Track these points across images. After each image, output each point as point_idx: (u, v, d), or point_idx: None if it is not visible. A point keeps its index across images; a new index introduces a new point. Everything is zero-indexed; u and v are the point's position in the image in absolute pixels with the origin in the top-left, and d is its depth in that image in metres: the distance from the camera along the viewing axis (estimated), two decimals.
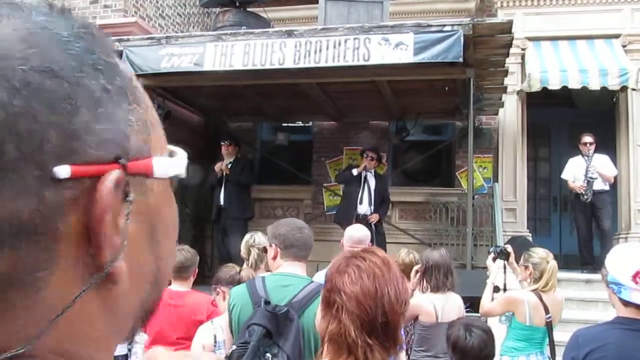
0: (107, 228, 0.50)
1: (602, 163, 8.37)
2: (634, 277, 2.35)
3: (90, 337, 0.52)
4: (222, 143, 9.10)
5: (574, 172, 8.52)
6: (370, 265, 1.54)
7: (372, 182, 8.60)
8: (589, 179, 8.23)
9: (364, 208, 8.46)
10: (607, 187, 8.38)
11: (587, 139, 8.45)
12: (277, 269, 2.85)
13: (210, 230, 10.28)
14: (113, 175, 0.49)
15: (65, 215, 0.48)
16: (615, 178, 8.68)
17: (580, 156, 8.53)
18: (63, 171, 0.47)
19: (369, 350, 1.44)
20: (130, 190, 0.51)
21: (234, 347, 2.41)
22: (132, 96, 0.54)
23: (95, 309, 0.52)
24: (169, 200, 0.60)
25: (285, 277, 2.73)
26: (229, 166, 8.87)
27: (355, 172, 8.64)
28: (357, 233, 4.20)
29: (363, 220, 8.11)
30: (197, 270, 4.38)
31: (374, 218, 8.41)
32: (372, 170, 8.69)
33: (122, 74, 0.54)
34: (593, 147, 8.43)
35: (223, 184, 8.84)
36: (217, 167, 8.85)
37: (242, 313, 2.63)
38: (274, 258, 2.89)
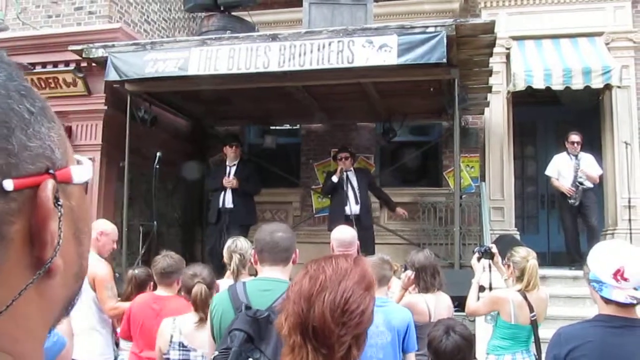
0: (50, 229, 0.58)
1: (587, 163, 8.40)
2: (615, 275, 2.38)
3: (25, 332, 0.59)
4: (230, 146, 8.74)
5: (558, 169, 8.56)
6: (320, 270, 1.53)
7: (354, 180, 8.57)
8: (577, 184, 8.26)
9: (352, 208, 8.45)
10: (592, 185, 8.44)
11: (575, 137, 8.46)
12: (259, 273, 2.87)
13: (200, 234, 10.25)
14: (50, 184, 0.58)
15: (13, 223, 0.56)
16: (601, 176, 8.74)
17: (565, 153, 8.56)
18: (8, 185, 0.55)
19: (305, 351, 1.45)
20: (60, 196, 0.60)
21: (216, 352, 2.40)
22: (50, 115, 0.62)
23: (33, 303, 0.59)
24: (85, 203, 0.68)
25: (266, 282, 2.73)
26: (233, 170, 8.65)
27: (335, 178, 8.58)
28: (342, 235, 4.22)
29: (354, 220, 8.12)
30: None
31: (403, 211, 8.80)
32: (352, 168, 8.67)
33: (39, 96, 0.62)
34: (579, 146, 8.47)
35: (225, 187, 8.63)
36: (226, 182, 8.50)
37: (223, 319, 2.63)
38: (255, 263, 2.91)
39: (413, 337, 3.82)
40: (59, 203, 0.59)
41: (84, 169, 0.66)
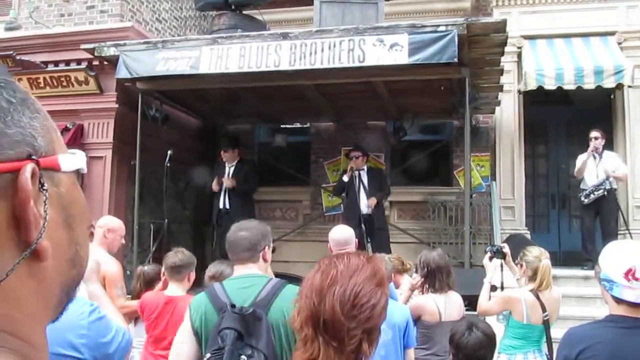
0: (32, 211, 0.61)
1: (613, 164, 8.25)
2: (626, 274, 2.36)
3: (24, 315, 0.62)
4: (224, 150, 8.83)
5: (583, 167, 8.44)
6: (332, 265, 1.55)
7: (365, 179, 8.54)
8: (599, 187, 8.15)
9: (364, 207, 8.40)
10: (616, 186, 8.32)
11: (594, 133, 8.31)
12: (234, 273, 2.84)
13: (211, 232, 10.27)
14: (29, 167, 0.61)
15: None
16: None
17: (589, 152, 8.40)
18: None
19: (316, 345, 1.46)
20: (45, 182, 0.63)
21: (208, 354, 2.37)
22: (33, 106, 0.66)
23: (27, 286, 0.61)
24: (78, 191, 0.71)
25: (243, 279, 2.71)
26: (232, 170, 8.73)
27: (345, 178, 8.58)
28: (337, 235, 4.25)
29: (367, 219, 8.11)
30: (194, 274, 4.37)
31: (372, 202, 8.36)
32: (365, 167, 8.63)
33: (19, 88, 0.65)
34: (600, 142, 8.29)
35: (224, 189, 8.70)
36: (223, 181, 8.60)
37: (205, 321, 2.58)
38: (231, 261, 2.91)
39: (412, 333, 3.84)
40: (43, 188, 0.63)
41: (74, 158, 0.69)
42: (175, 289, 4.22)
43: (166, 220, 8.33)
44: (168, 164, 8.08)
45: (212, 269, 3.72)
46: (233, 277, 2.81)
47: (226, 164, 8.80)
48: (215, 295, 2.63)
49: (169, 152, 8.10)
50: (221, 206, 8.68)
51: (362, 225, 7.90)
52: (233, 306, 2.46)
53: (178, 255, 4.27)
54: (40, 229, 0.61)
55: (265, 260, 2.84)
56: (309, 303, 1.51)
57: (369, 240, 7.90)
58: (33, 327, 0.63)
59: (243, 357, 2.32)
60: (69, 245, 0.68)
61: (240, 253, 2.77)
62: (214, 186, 8.69)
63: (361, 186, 8.47)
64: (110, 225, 4.84)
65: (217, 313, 2.54)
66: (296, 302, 1.58)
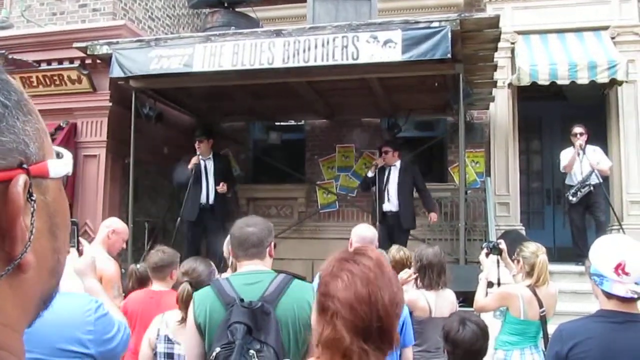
0: (20, 225, 0.57)
1: (595, 158, 8.26)
2: (616, 268, 2.37)
3: (6, 324, 0.59)
4: (200, 141, 8.38)
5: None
6: (364, 270, 1.51)
7: (394, 176, 8.30)
8: (585, 184, 8.16)
9: (389, 205, 8.23)
10: (600, 180, 8.34)
11: (577, 129, 8.30)
12: (238, 269, 2.84)
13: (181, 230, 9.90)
14: (21, 179, 0.57)
15: None
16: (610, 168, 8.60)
17: (572, 148, 8.41)
18: None
19: (365, 355, 1.43)
20: (34, 191, 0.59)
21: (218, 349, 2.37)
22: (26, 108, 0.62)
23: (6, 296, 0.58)
24: (63, 197, 0.68)
25: (249, 275, 2.70)
26: (208, 164, 8.42)
27: (370, 173, 8.47)
28: (364, 232, 4.24)
29: (392, 217, 8.07)
30: (177, 271, 4.35)
31: (434, 217, 8.43)
32: (397, 164, 8.39)
33: (14, 88, 0.62)
34: (584, 137, 8.29)
35: (206, 183, 8.40)
36: (217, 189, 8.27)
37: (212, 315, 2.57)
38: (233, 257, 2.91)
39: (409, 332, 3.83)
40: (32, 198, 0.59)
41: (62, 163, 0.66)
42: (159, 287, 4.22)
43: (163, 218, 8.31)
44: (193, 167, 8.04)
45: (185, 265, 3.72)
46: (239, 272, 2.81)
47: (200, 157, 8.36)
48: (222, 290, 2.63)
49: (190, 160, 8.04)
50: (204, 201, 8.37)
51: (383, 224, 7.89)
52: (242, 300, 2.46)
53: (159, 254, 4.25)
54: (26, 242, 0.58)
55: (270, 256, 2.86)
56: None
57: (391, 240, 7.74)
58: (9, 334, 0.60)
59: (252, 351, 2.33)
60: (51, 254, 0.65)
61: (249, 249, 2.77)
62: (220, 190, 8.31)
63: (390, 184, 8.28)
64: (115, 227, 4.88)
65: (224, 308, 2.54)
66: (326, 323, 1.48)
